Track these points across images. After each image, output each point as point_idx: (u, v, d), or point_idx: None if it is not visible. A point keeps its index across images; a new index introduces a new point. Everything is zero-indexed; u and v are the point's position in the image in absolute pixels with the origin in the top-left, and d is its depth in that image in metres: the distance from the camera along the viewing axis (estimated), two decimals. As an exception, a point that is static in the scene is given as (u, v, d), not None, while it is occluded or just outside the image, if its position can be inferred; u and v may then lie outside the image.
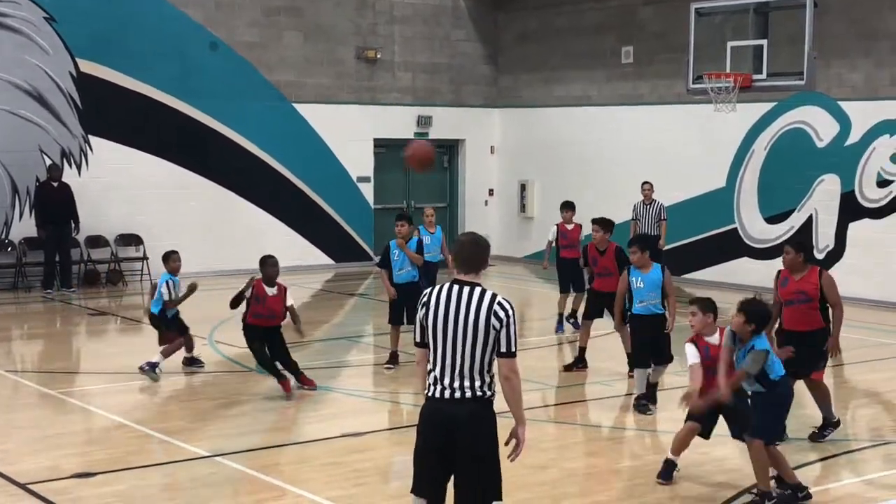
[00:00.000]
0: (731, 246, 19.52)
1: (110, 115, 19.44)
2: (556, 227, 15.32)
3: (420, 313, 5.89)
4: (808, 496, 7.95)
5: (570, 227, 15.20)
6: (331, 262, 21.82)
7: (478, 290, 5.77)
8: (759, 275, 17.47)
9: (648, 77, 20.89)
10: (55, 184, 18.65)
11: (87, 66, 19.24)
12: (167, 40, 19.88)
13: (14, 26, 18.70)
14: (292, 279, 19.81)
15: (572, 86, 22.31)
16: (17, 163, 18.77)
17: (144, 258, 19.58)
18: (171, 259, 12.30)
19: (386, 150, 22.59)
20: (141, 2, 19.71)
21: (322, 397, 11.15)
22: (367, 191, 22.34)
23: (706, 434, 8.41)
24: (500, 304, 5.74)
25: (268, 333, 11.21)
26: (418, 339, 5.96)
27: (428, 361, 5.89)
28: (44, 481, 8.24)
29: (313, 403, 10.95)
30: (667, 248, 18.28)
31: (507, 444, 5.90)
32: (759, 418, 7.81)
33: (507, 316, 5.73)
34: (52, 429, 9.91)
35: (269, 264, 11.32)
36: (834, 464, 9.07)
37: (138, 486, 8.31)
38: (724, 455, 8.97)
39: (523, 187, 23.25)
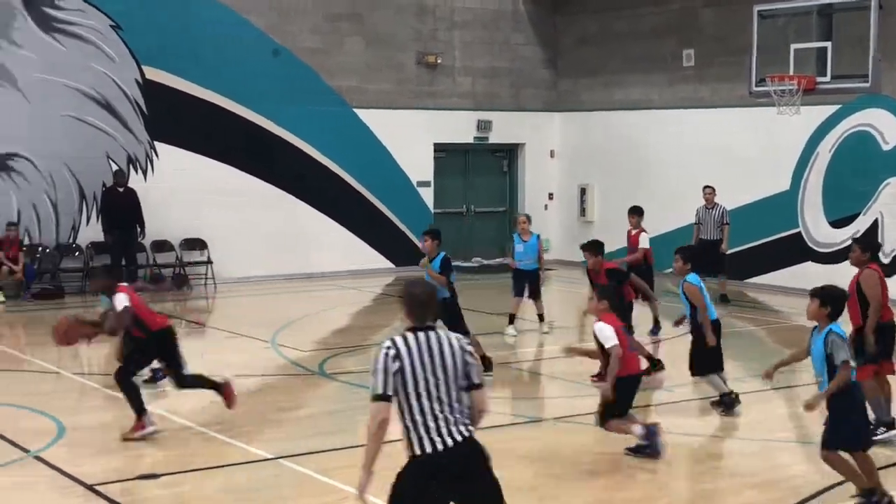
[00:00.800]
0: (796, 250, 19.30)
1: (175, 121, 19.73)
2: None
3: (393, 366, 5.61)
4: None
5: (633, 232, 15.13)
6: (391, 266, 21.93)
7: (441, 332, 5.77)
8: (824, 279, 17.24)
9: (709, 80, 20.74)
10: (121, 189, 18.97)
11: (153, 73, 19.55)
12: (231, 47, 20.12)
13: (81, 35, 19.05)
14: (353, 283, 20.01)
15: (632, 89, 22.22)
16: (85, 169, 19.11)
17: (209, 262, 19.84)
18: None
19: (446, 154, 22.68)
20: (204, 9, 19.97)
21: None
22: (427, 195, 22.43)
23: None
24: (463, 341, 5.81)
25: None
26: (386, 391, 5.61)
27: (403, 418, 5.64)
28: (110, 482, 8.38)
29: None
30: (730, 252, 18.14)
31: None
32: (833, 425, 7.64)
33: (473, 352, 5.84)
34: (118, 431, 10.08)
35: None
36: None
37: (202, 487, 8.43)
38: (788, 461, 8.88)
39: (583, 191, 23.18)
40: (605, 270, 12.13)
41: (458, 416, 5.65)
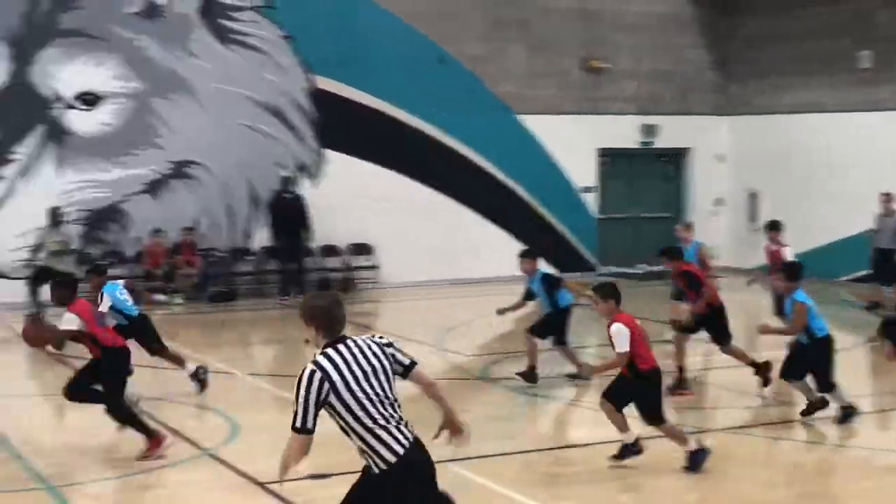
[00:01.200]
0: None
1: (344, 128, 20.15)
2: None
3: (322, 392, 5.43)
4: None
5: (772, 248, 14.48)
6: (555, 272, 21.79)
7: (357, 338, 5.63)
8: None
9: (887, 81, 19.97)
10: (288, 195, 19.48)
11: (323, 82, 20.01)
12: (398, 54, 20.42)
13: (255, 45, 19.65)
14: (516, 289, 19.95)
15: (803, 92, 21.58)
16: (257, 175, 19.70)
17: (375, 267, 20.17)
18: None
19: (610, 160, 22.48)
20: (373, 19, 20.33)
21: (545, 407, 11.17)
22: (591, 201, 22.28)
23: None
24: (376, 336, 5.71)
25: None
26: (311, 425, 5.48)
27: (356, 434, 5.53)
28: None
29: (539, 412, 10.97)
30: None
31: (441, 434, 5.92)
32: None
33: (389, 340, 5.71)
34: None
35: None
36: None
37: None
38: None
39: (753, 196, 22.63)
40: (682, 272, 11.89)
41: (401, 413, 5.58)
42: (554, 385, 12.22)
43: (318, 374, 5.41)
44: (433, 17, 20.83)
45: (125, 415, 9.26)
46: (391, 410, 5.53)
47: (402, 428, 5.52)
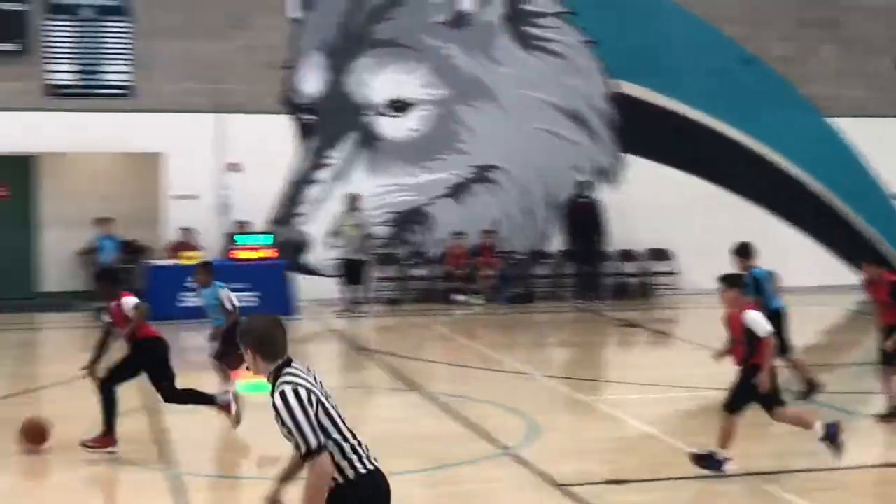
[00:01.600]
0: None
1: (644, 132, 20.04)
2: None
3: (313, 400, 4.97)
4: None
5: None
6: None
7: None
8: None
9: None
10: (584, 199, 19.58)
11: (624, 87, 19.98)
12: (701, 57, 20.10)
13: (556, 50, 19.87)
14: (821, 298, 19.17)
15: None
16: (554, 179, 19.92)
17: (674, 273, 19.91)
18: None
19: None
20: (676, 21, 20.11)
21: (853, 424, 10.66)
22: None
23: None
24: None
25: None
26: (322, 443, 4.94)
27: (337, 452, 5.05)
28: (579, 484, 8.63)
29: (859, 431, 10.49)
30: None
31: None
32: None
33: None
34: (586, 433, 10.38)
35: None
36: None
37: (670, 497, 8.46)
38: None
39: None
40: (889, 282, 10.70)
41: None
42: (864, 402, 11.64)
43: (302, 389, 4.98)
44: (739, 18, 20.34)
45: (109, 397, 9.38)
46: (354, 437, 5.20)
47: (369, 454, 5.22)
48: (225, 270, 17.19)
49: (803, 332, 13.66)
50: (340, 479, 5.05)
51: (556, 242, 20.07)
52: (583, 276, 19.60)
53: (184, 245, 17.95)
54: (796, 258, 20.07)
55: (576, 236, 19.64)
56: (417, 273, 19.71)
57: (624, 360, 15.18)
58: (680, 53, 20.06)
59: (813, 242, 20.72)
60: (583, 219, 19.54)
